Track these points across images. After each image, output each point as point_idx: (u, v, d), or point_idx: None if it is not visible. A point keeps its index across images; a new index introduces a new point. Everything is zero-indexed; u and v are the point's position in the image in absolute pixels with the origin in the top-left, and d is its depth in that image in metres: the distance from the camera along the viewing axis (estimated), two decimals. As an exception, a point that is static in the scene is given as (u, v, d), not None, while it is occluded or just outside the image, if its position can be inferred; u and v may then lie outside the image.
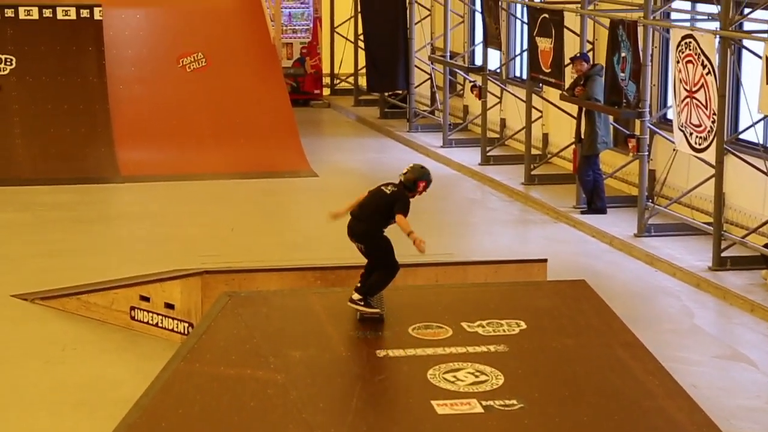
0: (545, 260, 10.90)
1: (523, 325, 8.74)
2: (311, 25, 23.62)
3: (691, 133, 13.02)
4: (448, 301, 9.23)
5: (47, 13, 17.75)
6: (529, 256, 11.83)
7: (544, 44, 15.77)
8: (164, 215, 15.40)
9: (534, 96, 16.97)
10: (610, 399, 7.89)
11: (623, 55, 13.79)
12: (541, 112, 17.56)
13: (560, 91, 15.59)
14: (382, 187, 9.52)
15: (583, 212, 15.07)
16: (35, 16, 17.69)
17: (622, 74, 13.84)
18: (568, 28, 15.61)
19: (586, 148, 14.90)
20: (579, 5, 15.46)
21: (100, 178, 17.01)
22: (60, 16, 17.79)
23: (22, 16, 17.63)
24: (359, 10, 22.11)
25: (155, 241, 14.11)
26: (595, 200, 15.03)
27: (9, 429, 8.88)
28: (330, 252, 13.59)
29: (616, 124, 15.35)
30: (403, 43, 20.45)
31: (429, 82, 21.55)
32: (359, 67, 23.15)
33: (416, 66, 21.09)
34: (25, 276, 12.47)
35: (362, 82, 22.68)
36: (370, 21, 20.99)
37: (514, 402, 7.66)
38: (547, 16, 15.72)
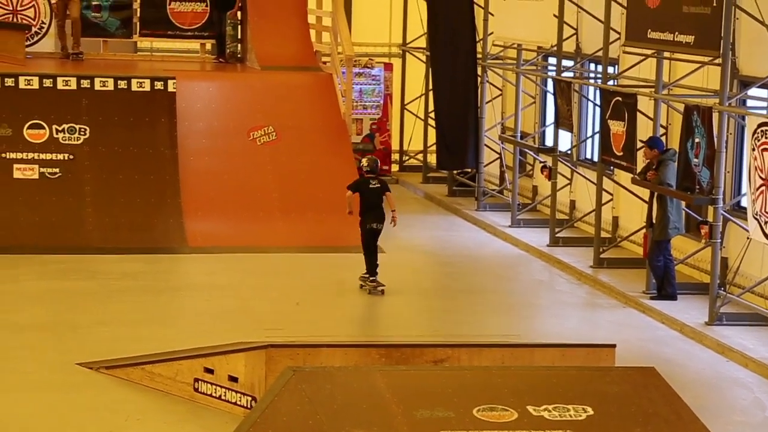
0: (614, 345, 10.73)
1: (590, 411, 8.57)
2: (382, 102, 23.75)
3: (765, 222, 12.82)
4: (514, 384, 9.08)
5: (122, 84, 17.99)
6: (597, 341, 11.67)
7: (617, 127, 15.69)
8: (230, 287, 15.41)
9: (605, 178, 16.85)
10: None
11: (697, 140, 13.66)
12: (611, 194, 17.42)
13: (632, 175, 15.47)
14: (371, 185, 14.88)
15: (652, 298, 14.86)
16: (110, 87, 17.93)
17: (696, 160, 13.70)
18: (641, 112, 15.53)
19: (657, 233, 14.73)
20: (653, 89, 15.38)
21: (168, 248, 17.09)
22: (135, 87, 18.02)
23: (97, 86, 17.88)
24: (430, 87, 22.20)
25: (221, 313, 14.11)
26: (665, 286, 14.82)
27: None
28: (395, 330, 13.53)
29: (688, 210, 15.17)
30: (473, 121, 20.46)
31: (498, 161, 21.52)
32: (428, 144, 23.20)
33: (486, 145, 21.08)
34: (90, 344, 12.50)
35: (431, 159, 22.70)
36: (441, 99, 21.05)
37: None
38: (620, 99, 15.65)
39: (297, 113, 18.79)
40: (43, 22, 20.75)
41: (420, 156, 23.96)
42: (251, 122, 18.58)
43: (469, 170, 21.58)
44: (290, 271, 16.38)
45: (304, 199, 18.15)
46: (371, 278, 15.04)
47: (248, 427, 8.23)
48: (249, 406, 10.23)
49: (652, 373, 9.24)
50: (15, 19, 20.57)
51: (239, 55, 21.52)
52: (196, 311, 14.27)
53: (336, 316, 14.27)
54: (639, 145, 15.34)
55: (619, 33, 16.56)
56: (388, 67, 23.96)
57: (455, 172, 22.04)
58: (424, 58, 23.36)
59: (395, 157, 24.58)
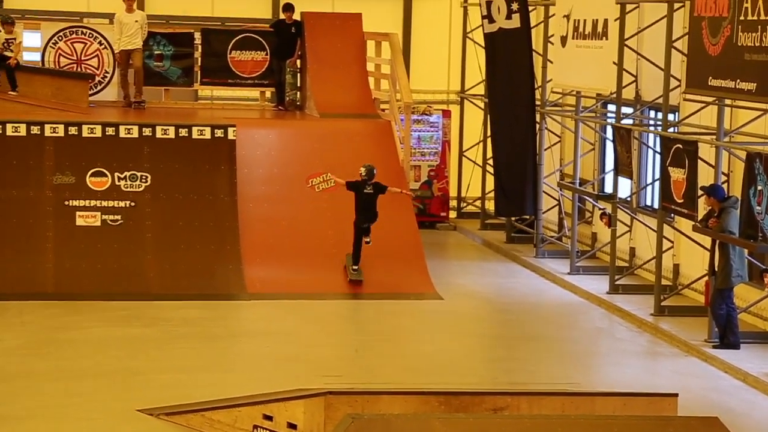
0: (676, 395, 10.62)
1: (654, 462, 8.47)
2: (440, 149, 23.79)
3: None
4: (575, 434, 9.00)
5: (183, 132, 18.17)
6: (659, 390, 11.54)
7: (678, 174, 15.60)
8: (289, 333, 15.44)
9: (665, 225, 16.73)
10: None
11: (760, 188, 13.53)
12: (672, 242, 17.29)
13: (693, 222, 15.34)
14: (365, 190, 17.50)
15: (715, 347, 14.68)
16: (172, 135, 18.12)
17: (759, 208, 13.57)
18: (702, 159, 15.43)
19: (719, 281, 14.58)
20: (714, 137, 15.28)
21: (227, 294, 17.17)
22: (195, 135, 18.20)
23: (159, 134, 18.07)
24: (488, 134, 22.21)
25: (279, 359, 14.13)
26: (727, 335, 14.65)
27: None
28: (454, 377, 13.46)
29: (751, 258, 15.01)
30: (532, 168, 20.43)
31: (557, 208, 21.44)
32: (487, 191, 23.18)
33: (545, 192, 21.02)
34: (151, 391, 12.56)
35: (489, 205, 22.67)
36: (499, 145, 21.04)
37: None
38: (681, 146, 15.56)
39: (355, 160, 18.85)
40: (106, 72, 21.04)
41: (478, 203, 23.94)
42: (310, 169, 18.67)
43: (528, 217, 21.52)
44: (349, 317, 16.39)
45: (363, 246, 18.15)
46: (354, 267, 17.48)
47: (308, 476, 8.21)
48: (308, 454, 10.21)
49: (716, 423, 9.12)
50: (79, 69, 20.88)
51: (298, 103, 21.67)
52: (255, 357, 14.30)
53: (395, 363, 14.23)
54: (700, 192, 15.22)
55: (679, 80, 16.50)
56: (447, 114, 24.02)
57: (513, 218, 21.99)
58: (482, 104, 23.39)
59: (453, 203, 24.58)
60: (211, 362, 13.92)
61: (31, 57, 20.74)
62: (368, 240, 17.56)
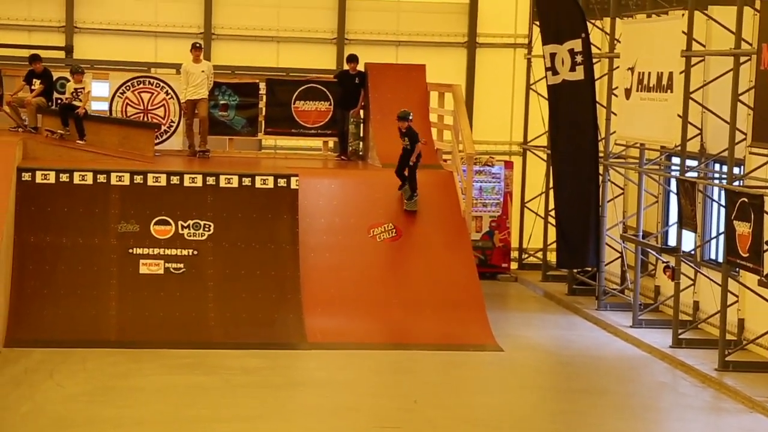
0: (741, 453, 10.44)
1: None
2: (501, 199, 23.75)
3: None
4: (637, 492, 8.86)
5: (246, 181, 18.30)
6: (723, 447, 11.36)
7: (743, 228, 15.44)
8: (349, 384, 15.41)
9: (730, 280, 16.54)
10: None
11: (826, 241, 13.35)
12: (737, 296, 17.08)
13: (759, 277, 15.15)
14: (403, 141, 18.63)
15: (780, 403, 14.47)
16: (235, 184, 18.26)
17: (825, 262, 13.39)
18: None
19: (784, 337, 14.37)
20: (779, 190, 15.13)
21: (287, 344, 17.19)
22: (258, 184, 18.32)
23: (222, 184, 18.21)
24: (551, 185, 22.13)
25: (339, 409, 14.10)
26: (793, 391, 14.42)
27: None
28: (515, 430, 13.35)
29: (816, 313, 14.79)
30: (594, 220, 20.29)
31: (620, 260, 21.28)
32: (548, 243, 23.08)
33: (607, 244, 20.88)
34: (210, 439, 12.58)
35: (551, 257, 22.56)
36: (561, 197, 20.95)
37: None
38: (746, 200, 15.42)
39: (418, 210, 18.88)
40: (172, 121, 21.28)
41: (539, 254, 23.83)
42: (372, 219, 18.70)
43: (590, 269, 21.38)
44: (409, 368, 16.32)
45: (424, 296, 18.13)
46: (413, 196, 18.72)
47: None
48: (366, 507, 10.15)
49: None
50: (146, 118, 21.14)
51: (361, 153, 21.75)
52: (314, 407, 14.29)
53: (454, 415, 14.14)
54: (766, 246, 15.04)
55: (744, 133, 16.37)
56: (509, 165, 24.00)
57: (575, 270, 21.85)
58: (544, 156, 23.35)
59: (514, 254, 24.48)
60: (270, 412, 13.93)
61: (99, 106, 21.02)
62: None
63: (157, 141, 20.87)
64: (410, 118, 18.57)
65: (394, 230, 18.63)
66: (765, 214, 15.15)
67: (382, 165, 20.15)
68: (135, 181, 18.02)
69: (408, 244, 18.58)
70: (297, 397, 14.86)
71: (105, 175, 18.01)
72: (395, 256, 18.51)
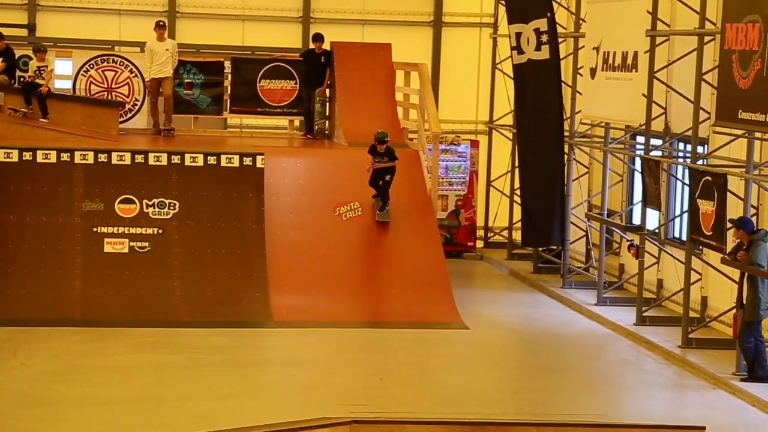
0: (703, 428, 10.54)
1: (681, 496, 8.40)
2: (467, 179, 23.79)
3: None
4: (601, 466, 8.94)
5: (212, 160, 18.24)
6: (686, 423, 11.46)
7: (706, 207, 15.54)
8: (315, 362, 15.43)
9: (693, 258, 16.66)
10: None
11: (788, 219, 13.47)
12: (700, 274, 17.20)
13: (721, 255, 15.27)
14: (377, 161, 18.37)
15: (743, 380, 14.59)
16: (200, 163, 18.20)
17: (787, 239, 13.50)
18: (731, 192, 15.37)
19: (748, 314, 14.50)
20: (743, 169, 15.23)
21: (253, 322, 17.18)
22: (224, 163, 18.26)
23: (187, 162, 18.15)
24: (516, 164, 22.20)
25: (305, 387, 14.12)
26: (756, 368, 14.55)
27: None
28: (479, 407, 13.42)
29: (779, 290, 14.91)
30: (559, 199, 20.39)
31: (585, 239, 21.39)
32: (514, 221, 23.15)
33: (572, 222, 20.98)
34: (176, 418, 12.57)
35: (516, 236, 22.64)
36: (527, 176, 21.02)
37: None
38: (710, 179, 15.52)
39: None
40: (136, 100, 21.18)
41: (505, 233, 23.90)
42: (338, 198, 18.70)
43: (555, 247, 21.47)
44: (375, 346, 16.36)
45: (389, 275, 18.17)
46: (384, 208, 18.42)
47: (332, 505, 8.19)
48: (333, 484, 10.18)
49: (744, 458, 9.04)
50: (110, 97, 21.02)
51: (327, 132, 21.73)
52: (280, 385, 14.30)
53: (420, 392, 14.19)
54: (729, 225, 15.16)
55: (708, 113, 16.46)
56: (475, 144, 24.04)
57: (541, 249, 21.94)
58: (510, 135, 23.40)
59: (480, 233, 24.55)
60: (236, 390, 13.93)
61: (62, 85, 20.88)
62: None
63: (122, 119, 20.77)
64: (388, 139, 18.35)
65: (360, 209, 18.63)
66: (728, 193, 15.26)
67: (348, 144, 20.14)
68: (99, 160, 17.93)
69: (374, 223, 18.60)
70: (263, 375, 14.87)
71: (69, 154, 17.91)
72: (361, 235, 18.52)
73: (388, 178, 18.47)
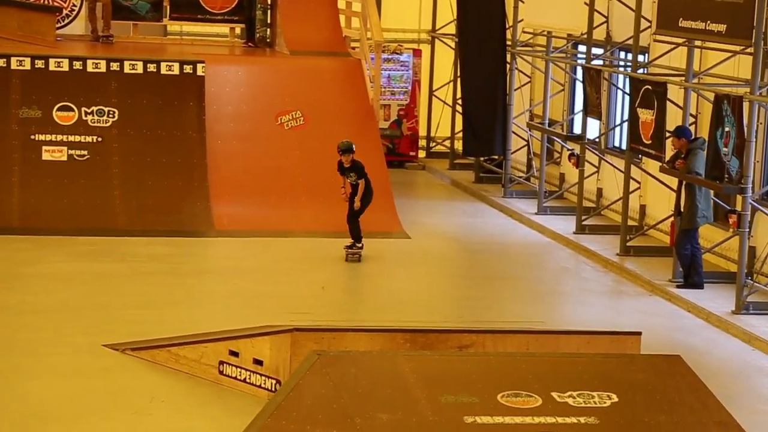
0: (639, 333, 10.69)
1: (615, 399, 8.55)
2: (410, 88, 23.73)
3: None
4: (538, 370, 9.06)
5: (151, 67, 18.03)
6: (623, 329, 11.62)
7: (646, 116, 15.63)
8: (257, 271, 15.45)
9: (633, 167, 16.79)
10: (704, 480, 7.66)
11: (727, 129, 13.59)
12: (639, 183, 17.36)
13: (660, 163, 15.41)
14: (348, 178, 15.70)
15: (679, 286, 14.81)
16: (140, 70, 17.97)
17: (725, 149, 13.63)
18: (671, 101, 15.45)
19: (685, 222, 14.68)
20: (683, 78, 15.30)
21: (194, 231, 17.15)
22: (164, 71, 18.05)
23: (127, 69, 17.93)
24: (459, 74, 22.16)
25: (246, 296, 14.15)
26: (692, 275, 14.77)
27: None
28: (420, 315, 13.52)
29: (716, 199, 15.11)
30: (501, 108, 20.42)
31: (526, 148, 21.47)
32: (456, 131, 23.17)
33: (514, 132, 21.04)
34: (117, 326, 12.56)
35: (458, 145, 22.68)
36: (469, 85, 21.01)
37: (605, 477, 7.46)
38: (650, 87, 15.58)
39: (325, 98, 18.80)
40: (74, 5, 20.81)
41: (447, 142, 23.93)
42: (279, 107, 18.59)
43: (496, 157, 21.55)
44: (316, 255, 16.40)
45: (331, 184, 18.11)
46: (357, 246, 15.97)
47: (272, 410, 8.25)
48: (273, 390, 10.27)
49: (678, 362, 9.20)
50: (46, 2, 20.65)
51: (268, 40, 21.52)
52: (222, 294, 14.32)
53: (361, 300, 14.28)
54: (668, 134, 15.26)
55: (650, 21, 16.47)
56: (417, 53, 23.93)
57: (482, 158, 22.01)
58: (453, 44, 23.31)
59: (422, 143, 24.55)
60: (178, 298, 13.93)
61: (-3, -11, 20.46)
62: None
63: (59, 25, 20.43)
64: (354, 148, 15.74)
65: (302, 118, 18.55)
66: (668, 102, 15.35)
67: (290, 52, 19.97)
68: (36, 66, 17.66)
69: (316, 133, 18.53)
70: (205, 283, 14.87)
71: (5, 60, 17.61)
72: (303, 144, 18.45)
73: (357, 206, 15.74)
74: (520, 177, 21.21)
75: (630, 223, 17.04)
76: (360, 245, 15.81)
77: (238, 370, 10.70)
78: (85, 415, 10.10)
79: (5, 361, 11.45)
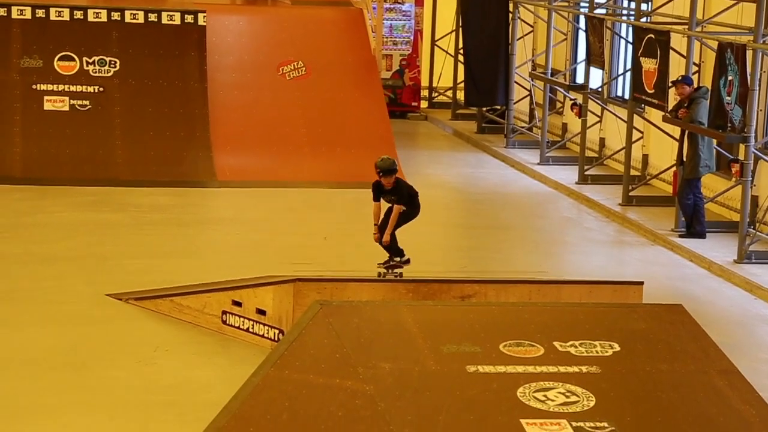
0: (641, 283, 10.71)
1: (617, 348, 8.57)
2: (412, 38, 23.62)
3: (796, 160, 12.72)
4: (540, 320, 9.07)
5: (152, 17, 17.95)
6: (625, 278, 11.65)
7: (649, 65, 15.56)
8: (259, 221, 15.46)
9: (635, 116, 16.75)
10: (705, 427, 7.69)
11: (730, 78, 13.53)
12: (642, 132, 17.32)
13: (663, 113, 15.36)
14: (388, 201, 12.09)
15: (681, 236, 14.82)
16: (141, 20, 17.90)
17: (728, 98, 13.59)
18: (674, 50, 15.38)
19: (687, 171, 14.65)
20: (686, 27, 15.22)
21: (196, 182, 17.14)
22: (165, 20, 17.98)
23: (128, 19, 17.85)
24: (461, 24, 22.05)
25: (249, 246, 14.17)
26: (694, 224, 14.77)
27: (99, 427, 8.94)
28: (422, 265, 13.52)
29: (719, 148, 15.08)
30: (503, 58, 20.33)
31: (528, 98, 21.40)
32: (458, 81, 23.09)
33: (516, 82, 20.96)
34: (120, 276, 12.59)
35: (460, 96, 22.61)
36: (471, 35, 20.91)
37: (605, 425, 7.50)
38: (653, 36, 15.50)
39: (327, 48, 18.73)
40: (73, -46, 20.68)
41: (449, 93, 23.85)
42: (281, 57, 18.52)
43: (499, 107, 21.49)
44: (318, 206, 16.40)
45: (333, 135, 18.13)
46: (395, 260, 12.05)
47: (275, 360, 8.28)
48: (276, 339, 10.30)
49: (680, 310, 9.21)
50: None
51: (269, -11, 21.42)
52: (224, 245, 14.33)
53: (364, 251, 14.28)
54: (670, 83, 15.21)
55: (652, -31, 16.38)
56: (419, 2, 23.80)
57: (484, 109, 21.95)
58: (455, -7, 23.18)
59: (424, 93, 24.48)
60: (180, 248, 13.95)
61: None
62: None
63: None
64: (396, 167, 12.02)
65: (304, 68, 18.48)
66: (671, 51, 15.28)
67: (292, 2, 19.90)
68: (37, 15, 17.58)
69: (317, 83, 18.48)
70: (207, 234, 14.88)
71: (5, 9, 17.54)
72: (305, 95, 18.40)
73: (385, 238, 11.86)
74: (523, 127, 21.16)
75: (632, 172, 17.02)
76: (399, 259, 12.00)
77: (241, 319, 10.73)
78: (89, 363, 10.14)
79: (9, 310, 11.49)
